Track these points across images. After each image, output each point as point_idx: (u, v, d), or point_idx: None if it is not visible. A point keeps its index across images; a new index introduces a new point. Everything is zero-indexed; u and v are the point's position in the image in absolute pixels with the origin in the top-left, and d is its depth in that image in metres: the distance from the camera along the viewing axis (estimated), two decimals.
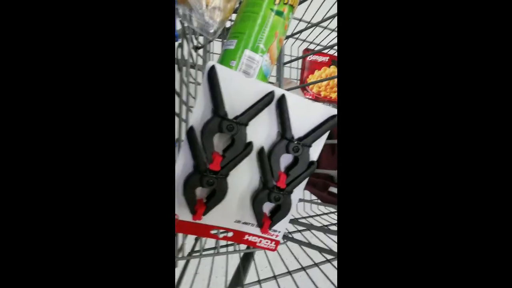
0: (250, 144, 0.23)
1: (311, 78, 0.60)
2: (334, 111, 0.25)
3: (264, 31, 0.23)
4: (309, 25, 0.40)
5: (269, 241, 0.29)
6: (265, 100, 0.23)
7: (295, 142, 0.24)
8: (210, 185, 0.23)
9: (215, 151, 0.23)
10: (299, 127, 0.25)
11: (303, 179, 0.26)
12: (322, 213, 0.58)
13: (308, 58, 0.59)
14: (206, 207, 0.24)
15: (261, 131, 0.24)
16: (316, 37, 0.60)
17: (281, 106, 0.24)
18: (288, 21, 0.25)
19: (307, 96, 0.60)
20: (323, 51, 0.61)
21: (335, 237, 0.32)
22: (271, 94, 0.23)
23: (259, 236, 0.28)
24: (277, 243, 0.30)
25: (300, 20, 0.53)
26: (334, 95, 0.62)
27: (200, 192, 0.25)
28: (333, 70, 0.62)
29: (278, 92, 0.23)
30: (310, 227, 0.32)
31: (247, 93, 0.23)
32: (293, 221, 0.40)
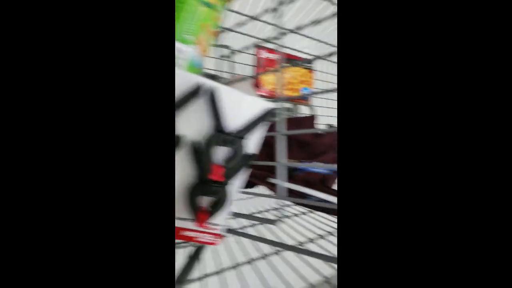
0: (179, 138, 0.23)
1: (264, 76, 0.61)
2: (271, 104, 0.26)
3: (192, 22, 0.23)
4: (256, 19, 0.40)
5: (210, 235, 0.29)
6: (193, 92, 0.22)
7: (229, 135, 0.24)
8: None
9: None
10: (234, 120, 0.25)
11: (239, 171, 0.26)
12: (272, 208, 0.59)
13: (260, 55, 0.60)
14: None
15: (195, 124, 0.24)
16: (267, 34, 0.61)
17: (213, 99, 0.24)
18: (220, 13, 0.25)
19: (260, 93, 0.61)
20: (273, 49, 0.62)
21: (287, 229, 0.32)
22: (200, 88, 0.23)
23: (197, 231, 0.27)
24: (219, 236, 0.29)
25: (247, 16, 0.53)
26: (289, 93, 0.64)
27: None
28: (288, 68, 0.63)
29: (210, 84, 0.23)
30: (252, 217, 0.32)
31: (177, 85, 0.22)
32: (248, 216, 0.40)
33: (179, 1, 0.23)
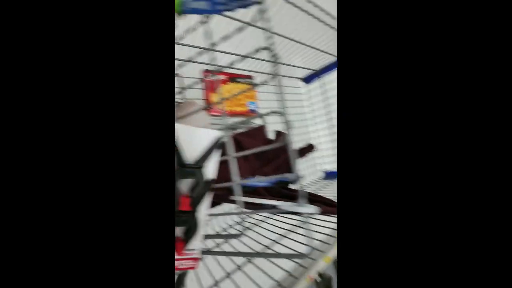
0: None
1: (212, 96, 0.64)
2: (217, 133, 0.30)
3: None
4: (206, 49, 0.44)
5: (188, 261, 0.31)
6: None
7: (190, 167, 0.27)
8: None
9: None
10: (192, 152, 0.28)
11: (204, 197, 0.29)
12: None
13: (207, 79, 0.63)
14: None
15: None
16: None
17: None
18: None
19: (213, 113, 0.64)
20: (221, 70, 0.66)
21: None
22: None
23: (177, 260, 0.29)
24: (196, 260, 0.32)
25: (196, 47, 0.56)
26: (238, 109, 0.68)
27: None
28: (232, 86, 0.68)
29: None
30: (220, 236, 0.36)
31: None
32: (215, 236, 0.43)
33: None
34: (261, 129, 0.78)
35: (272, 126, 0.83)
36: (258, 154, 0.73)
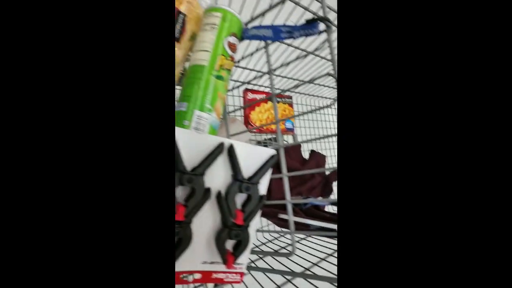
0: (208, 190, 0.27)
1: (252, 114, 0.67)
2: (273, 151, 0.31)
3: (209, 93, 0.28)
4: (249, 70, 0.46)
5: (235, 275, 0.32)
6: (217, 151, 0.27)
7: (246, 182, 0.28)
8: (176, 235, 0.25)
9: (178, 202, 0.25)
10: (247, 168, 0.29)
11: (256, 213, 0.30)
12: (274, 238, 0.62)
13: (248, 97, 0.66)
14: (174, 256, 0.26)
15: (218, 177, 0.28)
16: (254, 78, 0.68)
17: (231, 153, 0.28)
18: (227, 82, 0.31)
19: (252, 130, 0.66)
20: (260, 90, 0.69)
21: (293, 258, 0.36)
22: (221, 146, 0.27)
23: (225, 272, 0.30)
24: (242, 274, 0.32)
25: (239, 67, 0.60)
26: (274, 126, 0.70)
27: None
28: (270, 105, 0.70)
29: (228, 142, 0.28)
30: (271, 253, 0.36)
31: (201, 147, 0.26)
32: (254, 251, 0.43)
33: (197, 77, 0.28)
34: (296, 148, 0.78)
35: (307, 146, 0.84)
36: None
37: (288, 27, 0.28)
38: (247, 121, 0.66)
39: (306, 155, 0.82)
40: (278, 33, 0.29)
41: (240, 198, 0.29)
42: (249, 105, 0.67)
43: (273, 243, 0.58)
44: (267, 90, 0.72)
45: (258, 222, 0.32)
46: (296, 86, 0.32)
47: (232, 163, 0.28)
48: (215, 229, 0.29)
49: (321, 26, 0.27)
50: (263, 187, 0.31)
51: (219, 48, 0.29)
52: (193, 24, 0.31)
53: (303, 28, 0.27)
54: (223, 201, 0.28)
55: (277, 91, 0.71)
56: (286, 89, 0.46)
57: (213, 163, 0.27)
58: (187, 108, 0.27)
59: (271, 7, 0.31)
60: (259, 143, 0.78)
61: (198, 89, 0.27)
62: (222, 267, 0.30)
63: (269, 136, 0.82)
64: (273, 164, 0.30)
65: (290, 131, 0.73)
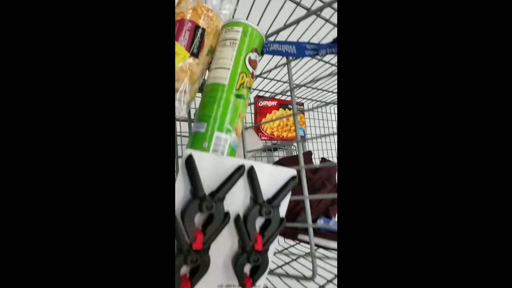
0: (227, 215, 0.25)
1: (263, 121, 0.65)
2: (294, 172, 0.30)
3: (229, 113, 0.27)
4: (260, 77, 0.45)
5: None
6: (238, 174, 0.26)
7: (267, 206, 0.27)
8: (194, 263, 0.24)
9: (196, 228, 0.24)
10: (267, 190, 0.28)
11: (276, 236, 0.29)
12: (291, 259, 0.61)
13: (259, 104, 0.65)
14: (191, 283, 0.25)
15: (236, 199, 0.27)
16: (266, 85, 0.67)
17: (251, 176, 0.27)
18: (248, 99, 0.29)
19: (263, 138, 0.65)
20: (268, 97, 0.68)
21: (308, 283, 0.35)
22: (241, 168, 0.26)
23: None
24: None
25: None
26: (285, 134, 0.69)
27: (184, 269, 0.26)
28: (281, 112, 0.69)
29: (248, 164, 0.26)
30: (291, 276, 0.35)
31: (221, 170, 0.25)
32: (273, 273, 0.42)
33: (217, 96, 0.27)
34: (307, 156, 0.77)
35: (318, 154, 0.82)
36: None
37: (313, 45, 0.26)
38: (258, 129, 0.65)
39: (317, 161, 0.81)
40: (302, 50, 0.28)
41: (259, 221, 0.28)
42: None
43: (291, 266, 0.56)
44: (277, 97, 0.70)
45: (276, 243, 0.30)
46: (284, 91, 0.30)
47: (252, 186, 0.27)
48: (233, 253, 0.28)
49: None
50: (283, 210, 0.30)
51: (239, 65, 0.27)
52: (212, 38, 0.30)
53: (329, 46, 0.26)
54: (242, 225, 0.27)
55: (297, 107, 0.70)
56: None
57: (234, 185, 0.26)
58: (206, 129, 0.26)
59: (296, 22, 0.29)
60: (269, 150, 0.76)
61: (218, 109, 0.26)
62: None
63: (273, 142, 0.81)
64: (294, 185, 0.29)
65: (302, 138, 0.72)
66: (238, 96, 0.27)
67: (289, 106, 0.70)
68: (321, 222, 0.52)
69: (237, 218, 0.27)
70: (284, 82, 0.67)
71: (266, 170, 0.28)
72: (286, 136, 0.69)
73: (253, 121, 0.65)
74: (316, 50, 0.27)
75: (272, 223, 0.28)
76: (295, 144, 0.80)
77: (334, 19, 0.33)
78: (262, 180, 0.27)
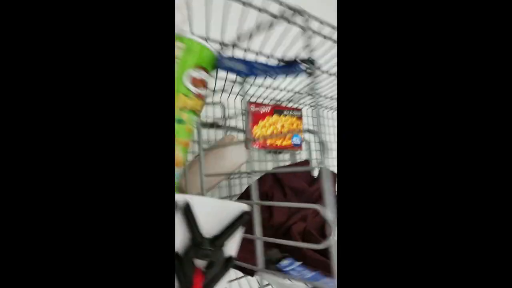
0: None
1: (256, 129, 0.61)
2: (244, 207, 0.26)
3: None
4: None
5: None
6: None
7: (205, 248, 0.24)
8: None
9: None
10: (212, 227, 0.25)
11: (222, 276, 0.26)
12: None
13: (251, 110, 0.61)
14: None
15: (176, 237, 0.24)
16: (256, 90, 0.63)
17: (187, 213, 0.24)
18: (192, 123, 0.26)
19: (255, 146, 0.61)
20: (264, 103, 0.63)
21: None
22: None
23: None
24: None
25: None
26: (279, 142, 0.64)
27: None
28: (275, 119, 0.64)
29: (182, 200, 0.23)
30: None
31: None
32: None
33: None
34: (304, 165, 0.72)
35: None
36: (298, 193, 0.67)
37: (263, 66, 0.22)
38: (247, 140, 0.61)
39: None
40: (252, 70, 0.24)
41: (203, 263, 0.25)
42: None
43: None
44: (273, 102, 0.66)
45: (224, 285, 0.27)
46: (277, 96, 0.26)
47: (189, 224, 0.24)
48: None
49: (303, 66, 0.21)
50: (231, 247, 0.26)
51: (178, 85, 0.24)
52: None
53: (280, 68, 0.21)
54: (178, 267, 0.24)
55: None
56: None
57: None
58: None
59: (257, 29, 0.25)
60: (274, 152, 0.72)
61: None
62: None
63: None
64: (244, 222, 0.26)
65: (297, 147, 0.67)
66: (177, 121, 0.24)
67: (285, 112, 0.66)
68: (285, 264, 0.41)
69: (176, 255, 0.24)
70: (275, 89, 0.63)
71: (210, 205, 0.25)
72: (280, 145, 0.64)
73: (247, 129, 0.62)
74: (266, 71, 0.22)
75: (216, 264, 0.25)
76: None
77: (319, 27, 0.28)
78: (204, 215, 0.24)
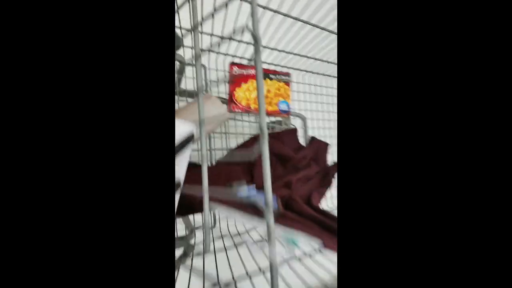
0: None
1: (238, 91, 0.59)
2: (191, 129, 0.24)
3: None
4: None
5: None
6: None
7: None
8: None
9: None
10: None
11: None
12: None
13: (234, 72, 0.58)
14: None
15: None
16: (244, 50, 0.60)
17: None
18: None
19: (236, 110, 0.59)
20: (247, 64, 0.61)
21: None
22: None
23: None
24: None
25: (211, 35, 0.52)
26: (266, 108, 0.62)
27: None
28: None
29: None
30: None
31: None
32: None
33: None
34: (291, 133, 0.69)
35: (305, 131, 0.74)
36: (283, 161, 0.65)
37: None
38: (231, 99, 0.59)
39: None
40: None
41: None
42: (234, 81, 0.59)
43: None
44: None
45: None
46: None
47: None
48: None
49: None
50: (179, 171, 0.25)
51: None
52: None
53: None
54: None
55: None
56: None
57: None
58: None
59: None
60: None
61: None
62: None
63: (272, 119, 0.74)
64: (187, 143, 0.24)
65: (284, 113, 0.65)
66: None
67: (271, 76, 0.63)
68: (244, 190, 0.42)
69: None
70: (273, 49, 0.60)
71: None
72: (267, 111, 0.62)
73: (227, 92, 0.60)
74: None
75: None
76: (293, 123, 0.73)
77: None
78: None
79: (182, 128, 0.24)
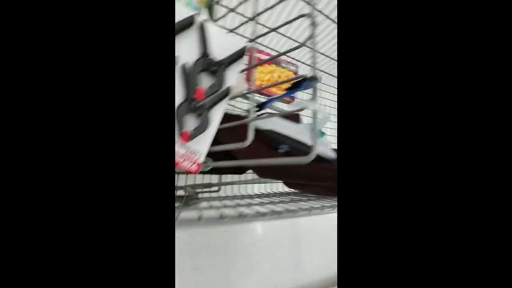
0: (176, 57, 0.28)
1: (253, 72, 0.68)
2: (244, 43, 0.31)
3: None
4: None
5: (191, 162, 0.32)
6: (186, 23, 0.28)
7: (213, 61, 0.29)
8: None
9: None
10: (218, 52, 0.30)
11: (219, 97, 0.30)
12: None
13: (253, 55, 0.68)
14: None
15: (187, 49, 0.29)
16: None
17: (202, 29, 0.29)
18: None
19: (252, 86, 0.67)
20: (264, 51, 0.71)
21: None
22: (191, 18, 0.28)
23: (182, 156, 0.30)
24: (199, 165, 0.32)
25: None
26: (274, 90, 0.71)
27: None
28: (273, 68, 0.71)
29: (201, 19, 0.29)
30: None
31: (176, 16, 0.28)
32: None
33: None
34: (295, 118, 0.77)
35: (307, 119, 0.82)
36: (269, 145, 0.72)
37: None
38: (248, 77, 0.68)
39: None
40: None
41: (207, 79, 0.30)
42: (258, 64, 0.68)
43: None
44: (273, 52, 0.73)
45: (220, 114, 0.32)
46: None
47: (202, 39, 0.29)
48: (178, 103, 0.30)
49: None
50: (231, 78, 0.31)
51: None
52: None
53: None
54: (187, 74, 0.29)
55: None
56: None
57: (182, 33, 0.28)
58: None
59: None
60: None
61: None
62: (180, 149, 0.31)
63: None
64: (242, 54, 0.31)
65: (291, 99, 0.73)
66: None
67: (282, 64, 0.73)
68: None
69: (182, 67, 0.29)
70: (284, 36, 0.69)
71: (218, 33, 0.30)
72: (273, 92, 0.71)
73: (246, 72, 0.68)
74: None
75: (218, 83, 0.30)
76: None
77: None
78: (213, 40, 0.30)
79: (238, 42, 0.31)
